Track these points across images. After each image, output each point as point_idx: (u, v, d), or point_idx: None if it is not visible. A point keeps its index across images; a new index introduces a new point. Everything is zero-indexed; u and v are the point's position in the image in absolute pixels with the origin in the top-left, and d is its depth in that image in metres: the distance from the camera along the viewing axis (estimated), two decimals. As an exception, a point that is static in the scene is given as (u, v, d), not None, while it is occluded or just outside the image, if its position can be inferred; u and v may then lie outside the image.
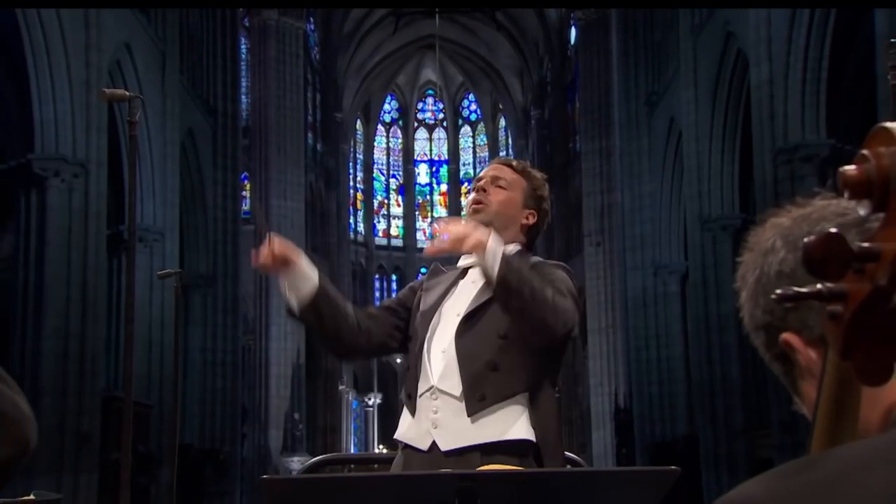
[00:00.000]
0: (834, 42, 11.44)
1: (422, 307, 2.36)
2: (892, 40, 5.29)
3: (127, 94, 4.24)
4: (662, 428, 17.28)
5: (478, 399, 2.18)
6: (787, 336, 0.77)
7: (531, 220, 2.42)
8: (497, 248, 2.11)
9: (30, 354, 11.05)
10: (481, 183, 2.42)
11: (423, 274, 2.59)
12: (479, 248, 2.10)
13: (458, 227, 2.15)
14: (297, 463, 20.65)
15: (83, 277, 11.62)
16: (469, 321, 2.26)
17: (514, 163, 2.51)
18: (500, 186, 2.39)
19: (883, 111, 8.52)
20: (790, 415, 11.39)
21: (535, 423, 2.20)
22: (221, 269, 17.72)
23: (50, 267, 11.31)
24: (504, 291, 2.10)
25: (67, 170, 11.59)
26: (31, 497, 2.69)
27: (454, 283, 2.37)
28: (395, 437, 2.34)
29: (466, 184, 34.43)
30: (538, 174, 2.49)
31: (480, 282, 2.29)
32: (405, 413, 2.32)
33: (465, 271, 2.40)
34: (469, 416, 2.19)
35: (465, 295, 2.33)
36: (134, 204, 4.35)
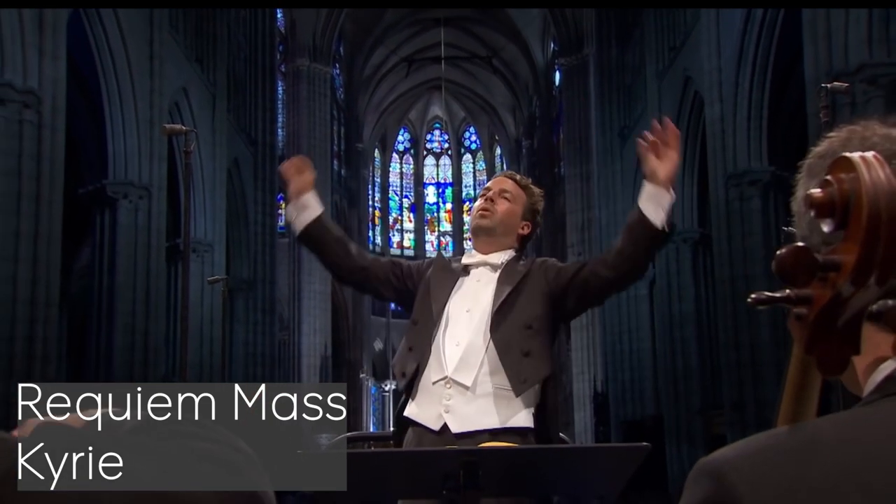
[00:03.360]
0: (773, 86, 11.53)
1: (430, 301, 2.27)
2: (822, 85, 5.47)
3: (183, 129, 4.38)
4: (633, 409, 17.24)
5: (521, 381, 2.13)
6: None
7: (526, 231, 2.37)
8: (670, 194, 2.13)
9: (104, 346, 11.17)
10: (490, 193, 2.33)
11: (429, 258, 2.53)
12: (670, 185, 2.15)
13: (674, 163, 2.14)
14: (325, 439, 20.64)
15: (147, 283, 11.70)
16: (499, 315, 2.19)
17: (518, 177, 2.41)
18: (506, 198, 2.32)
19: (813, 144, 8.61)
20: (740, 397, 11.52)
21: (541, 412, 2.17)
22: (261, 276, 17.73)
23: (120, 274, 11.42)
24: (662, 234, 2.15)
25: (134, 192, 11.71)
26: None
27: (458, 281, 2.29)
28: (405, 415, 2.23)
29: (468, 203, 34.39)
30: (537, 190, 2.41)
31: (486, 280, 2.26)
32: (412, 397, 2.23)
33: (466, 269, 2.32)
34: (517, 396, 2.13)
35: (471, 293, 2.26)
36: (188, 220, 4.46)
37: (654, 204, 2.15)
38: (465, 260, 2.34)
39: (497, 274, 2.28)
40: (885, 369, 0.64)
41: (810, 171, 0.73)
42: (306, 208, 2.32)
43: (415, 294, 2.34)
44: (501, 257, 2.32)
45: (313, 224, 2.32)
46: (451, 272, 2.32)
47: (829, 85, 5.08)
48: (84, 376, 11.71)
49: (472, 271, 2.31)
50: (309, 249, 2.38)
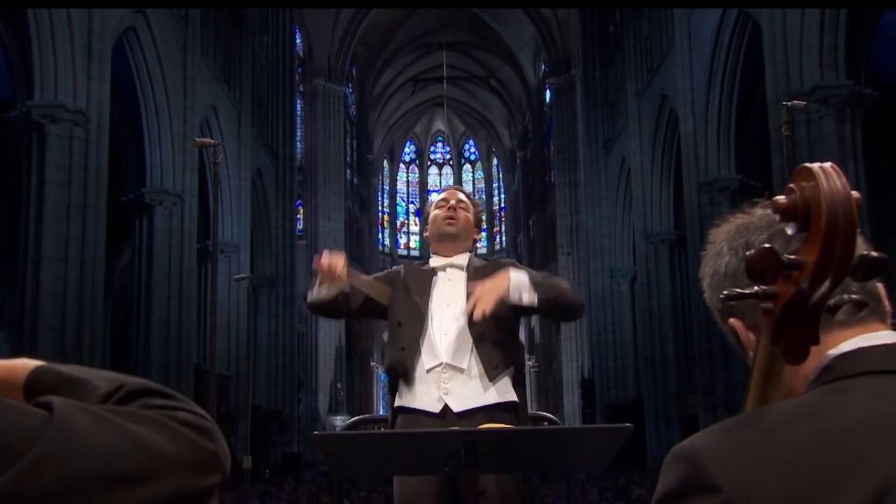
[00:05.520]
0: (739, 104, 11.57)
1: (413, 302, 2.25)
2: (783, 103, 5.47)
3: (212, 142, 4.37)
4: (617, 393, 17.25)
5: (493, 368, 2.16)
6: (732, 321, 0.75)
7: (476, 236, 2.41)
8: (519, 280, 2.08)
9: (142, 337, 11.21)
10: (452, 203, 2.36)
11: (393, 268, 2.48)
12: (505, 294, 2.07)
13: (492, 293, 2.06)
14: (339, 421, 20.49)
15: (180, 280, 11.74)
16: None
17: (466, 191, 2.48)
18: (463, 208, 2.37)
19: (776, 155, 8.63)
20: (711, 382, 11.51)
21: (516, 389, 2.19)
22: (281, 273, 17.73)
23: (156, 272, 11.46)
24: (547, 306, 2.09)
25: (169, 200, 11.74)
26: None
27: (432, 281, 2.29)
28: (401, 405, 2.17)
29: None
30: (479, 202, 2.50)
31: (456, 278, 2.27)
32: (404, 386, 2.18)
33: (435, 271, 2.31)
34: (490, 381, 2.14)
35: (448, 290, 2.26)
36: (216, 224, 4.46)
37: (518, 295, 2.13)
38: (432, 263, 2.34)
39: (464, 272, 2.31)
40: (825, 360, 0.65)
41: (712, 255, 0.78)
42: (334, 290, 2.23)
43: (382, 305, 2.32)
44: (464, 259, 2.35)
45: (337, 296, 2.24)
46: (423, 274, 2.32)
47: (788, 103, 5.11)
48: (126, 363, 11.73)
49: (441, 273, 2.31)
50: (318, 313, 2.33)
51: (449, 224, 2.34)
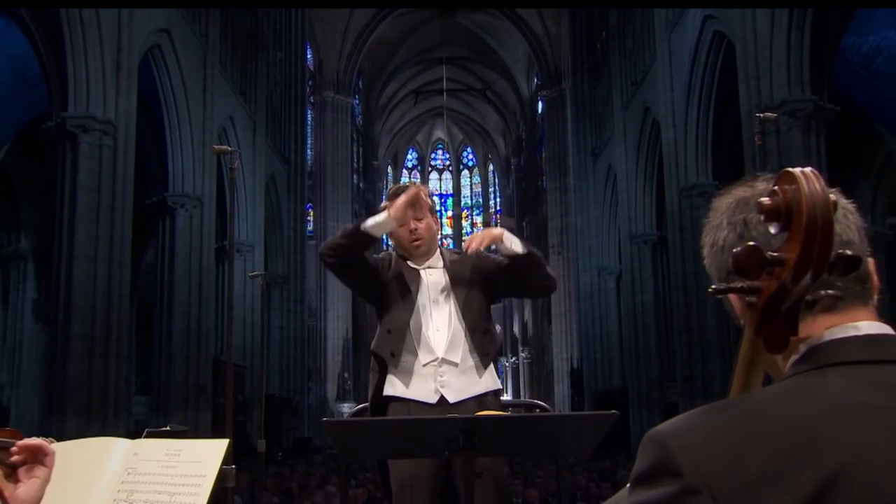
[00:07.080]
0: (715, 116, 11.61)
1: (402, 294, 2.22)
2: (756, 115, 5.46)
3: (229, 149, 4.37)
4: (603, 382, 17.26)
5: (486, 355, 2.19)
6: (729, 295, 0.72)
7: (439, 229, 2.40)
8: (511, 235, 2.15)
9: (165, 330, 11.19)
10: (414, 223, 2.27)
11: (386, 253, 2.35)
12: (500, 239, 2.12)
13: (486, 233, 2.15)
14: (346, 408, 20.41)
15: (199, 277, 11.74)
16: (465, 304, 2.21)
17: (426, 190, 2.29)
18: (424, 218, 2.27)
19: (749, 163, 8.67)
20: (690, 372, 11.52)
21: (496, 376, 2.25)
22: (293, 271, 17.70)
23: (177, 270, 11.45)
24: (529, 260, 2.12)
25: (189, 203, 11.74)
26: (168, 428, 2.64)
27: (420, 279, 2.25)
28: (394, 395, 2.14)
29: (466, 210, 34.49)
30: (427, 191, 2.33)
31: (438, 275, 2.25)
32: (395, 376, 2.15)
33: (417, 271, 2.27)
34: (483, 369, 2.17)
35: (432, 288, 2.23)
36: (233, 226, 4.46)
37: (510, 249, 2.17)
38: (412, 264, 2.28)
39: (445, 269, 2.28)
40: (809, 343, 0.63)
41: (711, 230, 0.75)
42: (381, 230, 2.16)
43: (375, 279, 2.24)
44: (438, 258, 2.32)
45: (373, 239, 2.17)
46: (411, 271, 2.26)
47: (760, 115, 5.14)
48: (150, 353, 11.73)
49: (422, 271, 2.28)
50: (354, 246, 2.14)
51: (417, 247, 2.27)
